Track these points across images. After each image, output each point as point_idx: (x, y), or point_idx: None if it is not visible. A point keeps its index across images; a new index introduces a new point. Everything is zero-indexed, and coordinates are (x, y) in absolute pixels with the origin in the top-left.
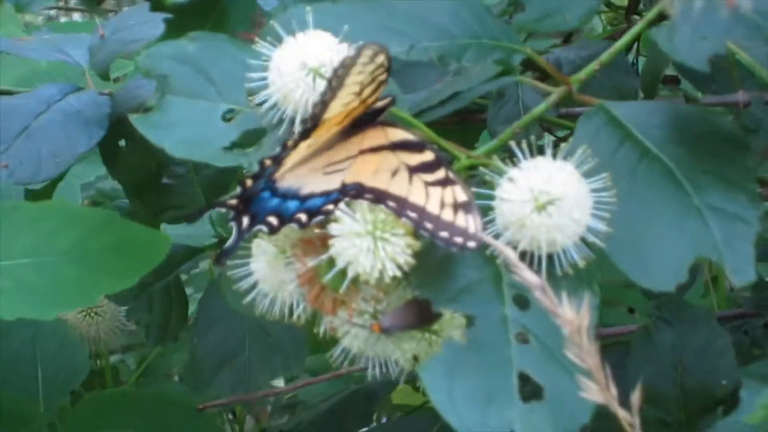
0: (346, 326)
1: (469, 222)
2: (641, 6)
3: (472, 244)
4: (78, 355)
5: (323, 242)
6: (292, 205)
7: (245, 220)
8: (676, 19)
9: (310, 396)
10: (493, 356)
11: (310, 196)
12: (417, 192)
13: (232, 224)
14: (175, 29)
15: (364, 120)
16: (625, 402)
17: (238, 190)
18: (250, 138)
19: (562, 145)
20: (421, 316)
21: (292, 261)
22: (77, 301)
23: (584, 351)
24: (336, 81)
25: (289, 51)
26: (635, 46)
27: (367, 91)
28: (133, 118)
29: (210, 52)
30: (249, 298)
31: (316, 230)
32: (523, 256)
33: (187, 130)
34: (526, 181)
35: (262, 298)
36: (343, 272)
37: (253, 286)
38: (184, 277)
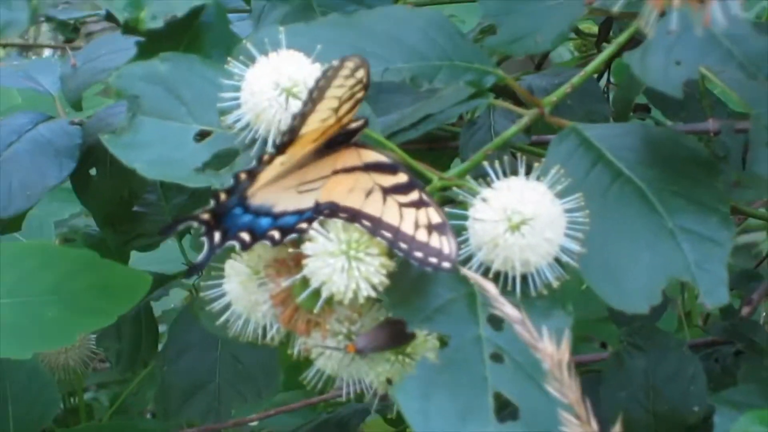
0: (320, 347)
1: (443, 243)
2: (611, 34)
3: (446, 264)
4: (48, 389)
5: (297, 262)
6: (265, 222)
7: (217, 236)
8: (650, 42)
9: (281, 426)
10: (468, 376)
11: (283, 213)
12: (391, 212)
13: (204, 239)
14: (147, 53)
15: (338, 141)
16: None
17: (212, 203)
18: (223, 159)
19: (535, 165)
20: (395, 336)
21: (266, 282)
22: (57, 341)
23: (565, 385)
24: (317, 92)
25: (261, 70)
26: (606, 75)
27: (345, 107)
28: (105, 139)
29: (181, 72)
30: (222, 319)
31: (290, 250)
32: (497, 276)
33: (159, 151)
34: (499, 201)
35: (236, 320)
36: (317, 292)
37: (227, 307)
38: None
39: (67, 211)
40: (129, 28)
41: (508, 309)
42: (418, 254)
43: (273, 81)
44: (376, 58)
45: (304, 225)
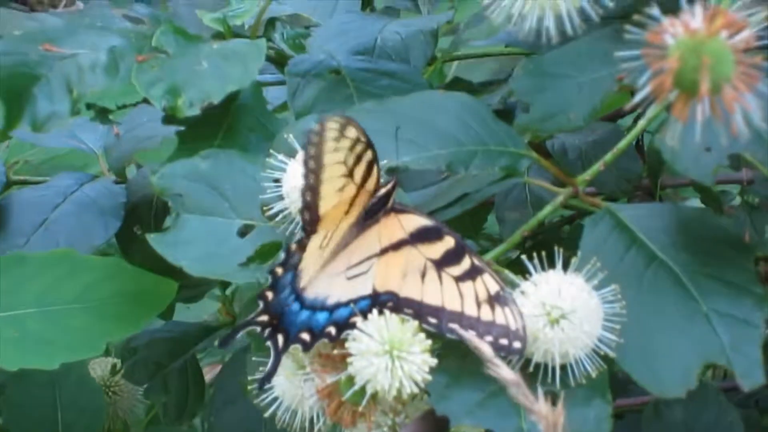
0: None
1: (508, 317)
2: None
3: (518, 345)
4: (97, 398)
5: (342, 357)
6: (322, 317)
7: (280, 339)
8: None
9: None
10: None
11: (337, 305)
12: (451, 295)
13: (269, 344)
14: (187, 140)
15: (375, 210)
16: None
17: (260, 304)
18: (266, 252)
19: (573, 259)
20: (438, 425)
21: (311, 376)
22: (84, 350)
23: None
24: (312, 162)
25: (299, 168)
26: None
27: (358, 172)
28: (150, 238)
29: (222, 168)
30: (270, 411)
31: (335, 351)
32: (536, 367)
33: (203, 248)
34: (538, 295)
35: (284, 412)
36: (362, 388)
37: (274, 399)
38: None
39: None
40: (168, 118)
41: (503, 371)
42: (488, 339)
43: None
44: (413, 144)
45: (359, 318)
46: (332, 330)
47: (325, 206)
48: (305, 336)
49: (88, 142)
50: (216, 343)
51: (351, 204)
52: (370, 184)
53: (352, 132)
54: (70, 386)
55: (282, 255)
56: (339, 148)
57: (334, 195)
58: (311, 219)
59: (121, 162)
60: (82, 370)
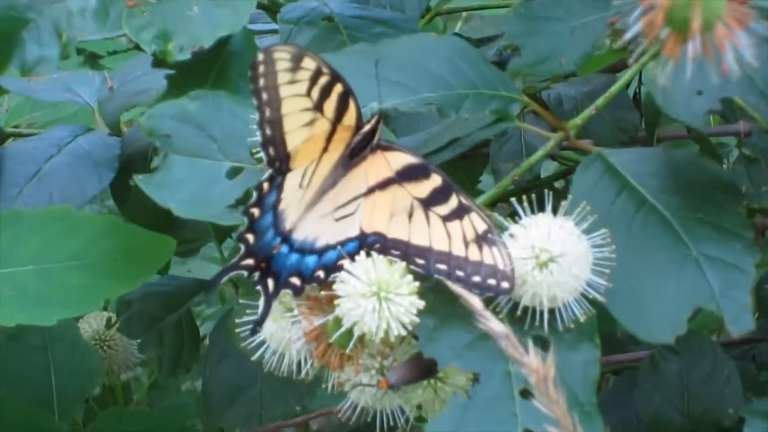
0: (353, 383)
1: (496, 257)
2: None
3: (506, 285)
4: (91, 360)
5: (329, 299)
6: (311, 260)
7: (270, 283)
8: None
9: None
10: (497, 413)
11: (326, 248)
12: (438, 235)
13: (259, 288)
14: (177, 84)
15: (360, 147)
16: None
17: (242, 248)
18: None
19: (563, 202)
20: (427, 369)
21: (299, 319)
22: (81, 306)
23: (551, 400)
24: (264, 93)
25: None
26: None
27: (329, 106)
28: (138, 179)
29: (211, 110)
30: (257, 354)
31: (322, 292)
32: (524, 311)
33: (192, 189)
34: (527, 238)
35: (271, 355)
36: (349, 331)
37: (262, 342)
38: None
39: None
40: (158, 61)
41: (492, 324)
42: (476, 279)
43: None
44: (403, 87)
45: (346, 261)
46: (321, 273)
47: (292, 141)
48: (295, 280)
49: (83, 95)
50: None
51: (328, 140)
52: (348, 119)
53: (309, 63)
54: (63, 349)
55: (254, 194)
56: (296, 79)
57: (301, 130)
58: (277, 155)
59: (116, 115)
60: (75, 332)
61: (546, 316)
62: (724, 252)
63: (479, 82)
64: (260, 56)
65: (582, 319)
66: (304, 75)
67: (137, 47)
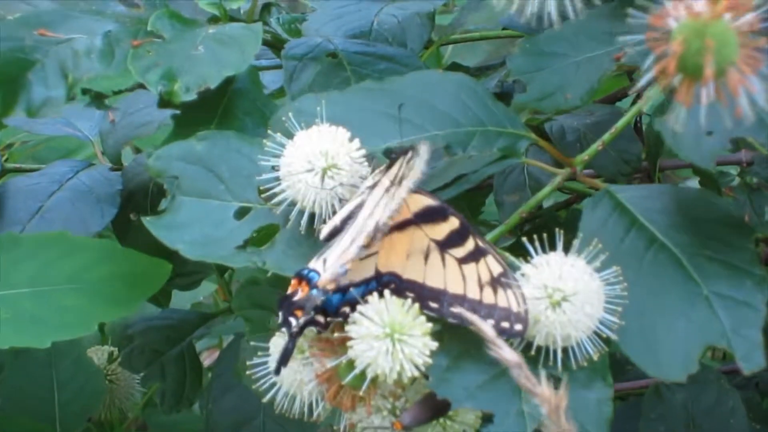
0: (366, 425)
1: (510, 300)
2: None
3: (518, 327)
4: (95, 379)
5: (341, 341)
6: (335, 298)
7: (293, 322)
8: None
9: None
10: None
11: (350, 286)
12: (453, 277)
13: (284, 330)
14: (183, 124)
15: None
16: None
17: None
18: (263, 235)
19: (574, 241)
20: (439, 408)
21: (310, 361)
22: (76, 329)
23: (563, 430)
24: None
25: (298, 148)
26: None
27: None
28: (146, 221)
29: (218, 150)
30: (269, 396)
31: (335, 334)
32: (538, 350)
33: (200, 231)
34: (540, 277)
35: (283, 398)
36: (362, 372)
37: (273, 384)
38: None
39: None
40: (163, 102)
41: (505, 352)
42: (490, 322)
43: (308, 161)
44: (410, 125)
45: (359, 303)
46: (347, 310)
47: None
48: (320, 318)
49: (83, 130)
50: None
51: None
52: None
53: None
54: (68, 367)
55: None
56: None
57: None
58: None
59: (117, 148)
60: (80, 351)
61: (560, 354)
62: (735, 289)
63: (486, 120)
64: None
65: (595, 357)
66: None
67: (142, 86)
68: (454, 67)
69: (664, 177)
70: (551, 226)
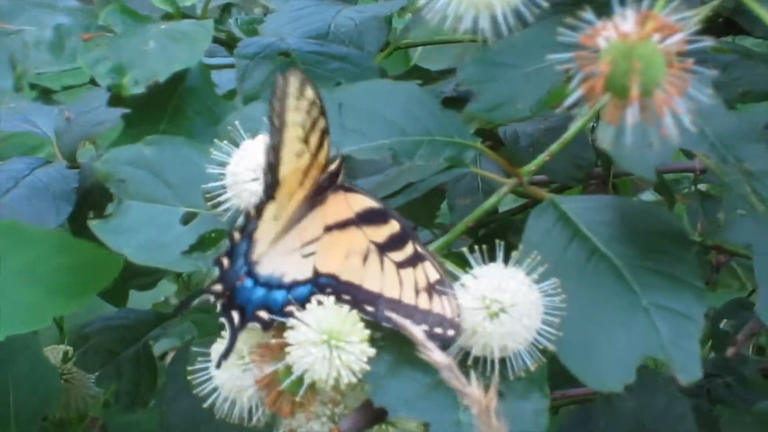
0: (305, 428)
1: (445, 306)
2: None
3: (451, 332)
4: (50, 377)
5: (281, 347)
6: (280, 295)
7: (235, 317)
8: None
9: None
10: None
11: (295, 283)
12: (390, 281)
13: (223, 320)
14: (133, 123)
15: (325, 186)
16: None
17: (216, 271)
18: (209, 240)
19: (513, 253)
20: (378, 414)
21: (250, 367)
22: (29, 323)
23: (494, 431)
24: (277, 120)
25: (244, 157)
26: None
27: (313, 140)
28: (93, 225)
29: (166, 156)
30: (209, 402)
31: (273, 341)
32: (475, 360)
33: (146, 235)
34: (478, 288)
35: (223, 402)
36: (300, 378)
37: (214, 389)
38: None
39: None
40: (115, 100)
41: (435, 354)
42: (424, 327)
43: (253, 170)
44: (359, 135)
45: (296, 309)
46: (294, 309)
47: (284, 170)
48: (263, 314)
49: (42, 127)
50: (168, 330)
51: (305, 175)
52: (322, 156)
53: (309, 92)
54: (23, 365)
55: (241, 219)
56: (299, 107)
57: (292, 159)
58: (271, 182)
59: (73, 146)
60: (36, 349)
61: (497, 365)
62: (674, 301)
63: (434, 129)
64: (279, 79)
65: (532, 368)
66: (304, 104)
67: (92, 82)
68: (416, 70)
69: (623, 182)
70: (505, 231)
